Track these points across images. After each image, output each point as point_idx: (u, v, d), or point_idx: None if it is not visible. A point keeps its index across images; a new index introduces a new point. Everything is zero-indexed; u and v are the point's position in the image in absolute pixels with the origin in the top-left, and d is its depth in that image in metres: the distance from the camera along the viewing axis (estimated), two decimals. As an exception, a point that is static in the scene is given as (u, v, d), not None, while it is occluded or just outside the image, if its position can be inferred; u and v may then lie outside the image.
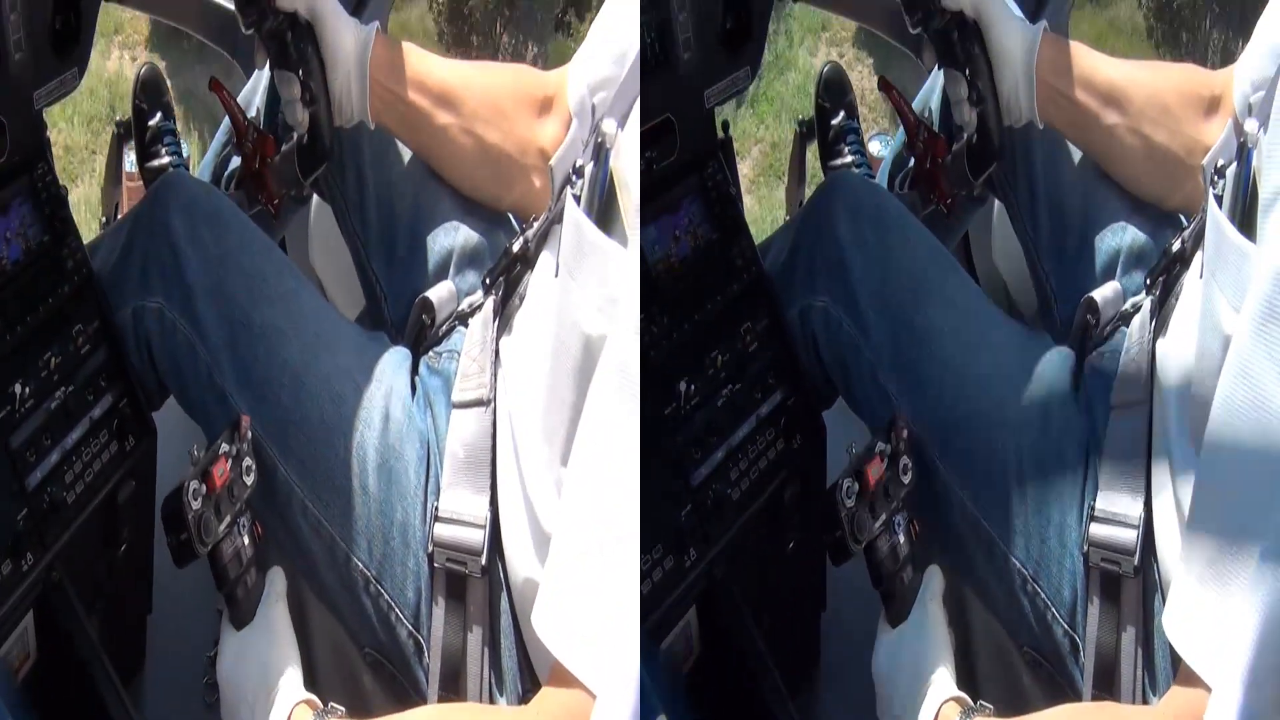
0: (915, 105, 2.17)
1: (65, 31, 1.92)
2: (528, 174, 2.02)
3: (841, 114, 2.40)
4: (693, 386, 1.86)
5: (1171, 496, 1.70)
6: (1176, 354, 1.70)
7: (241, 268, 1.88)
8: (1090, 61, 1.99)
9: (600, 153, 1.59)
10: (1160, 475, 1.73)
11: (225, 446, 1.65)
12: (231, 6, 1.95)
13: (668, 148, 1.87)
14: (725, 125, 2.13)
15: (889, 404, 1.92)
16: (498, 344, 1.78)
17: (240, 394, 1.84)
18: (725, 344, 1.92)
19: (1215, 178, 1.57)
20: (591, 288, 1.53)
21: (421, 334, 1.91)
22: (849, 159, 2.39)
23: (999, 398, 1.88)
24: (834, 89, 2.42)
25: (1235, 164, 1.54)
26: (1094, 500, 1.80)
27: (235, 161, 2.20)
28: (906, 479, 1.73)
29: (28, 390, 1.80)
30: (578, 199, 1.59)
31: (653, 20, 1.82)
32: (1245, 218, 1.53)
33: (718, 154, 1.97)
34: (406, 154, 2.08)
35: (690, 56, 1.88)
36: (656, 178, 1.86)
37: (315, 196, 2.24)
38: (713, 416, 1.89)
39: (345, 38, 1.93)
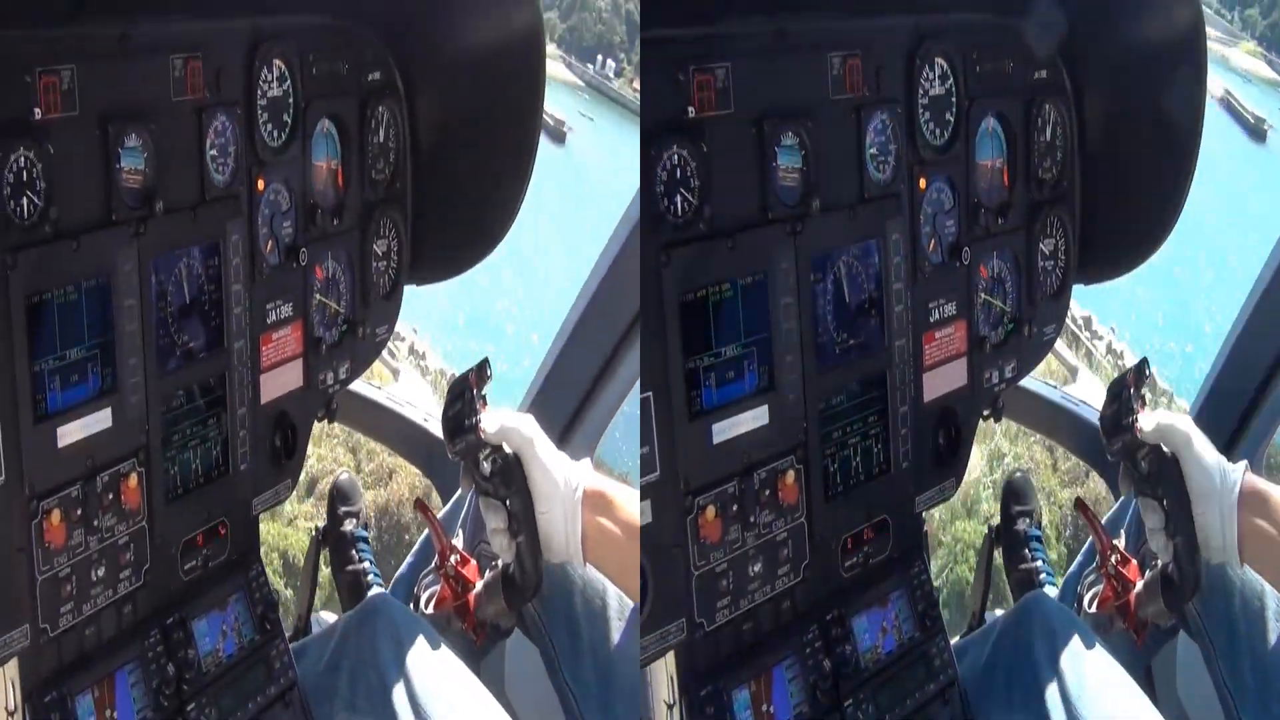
0: (1106, 523, 2.21)
1: (284, 448, 2.06)
2: None
3: (1025, 520, 2.47)
4: None
5: None
6: None
7: (451, 706, 1.90)
8: None
9: None
10: None
11: None
12: (436, 432, 2.04)
13: (881, 544, 1.97)
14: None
15: None
16: None
17: None
18: None
19: None
20: None
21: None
22: (1034, 564, 2.45)
23: None
24: (1019, 497, 2.50)
25: None
26: None
27: (432, 581, 2.18)
28: None
29: None
30: None
31: (878, 429, 1.93)
32: None
33: (923, 555, 2.05)
34: (624, 602, 2.01)
35: (907, 466, 2.00)
36: (872, 569, 1.95)
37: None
38: None
39: (555, 474, 1.86)
